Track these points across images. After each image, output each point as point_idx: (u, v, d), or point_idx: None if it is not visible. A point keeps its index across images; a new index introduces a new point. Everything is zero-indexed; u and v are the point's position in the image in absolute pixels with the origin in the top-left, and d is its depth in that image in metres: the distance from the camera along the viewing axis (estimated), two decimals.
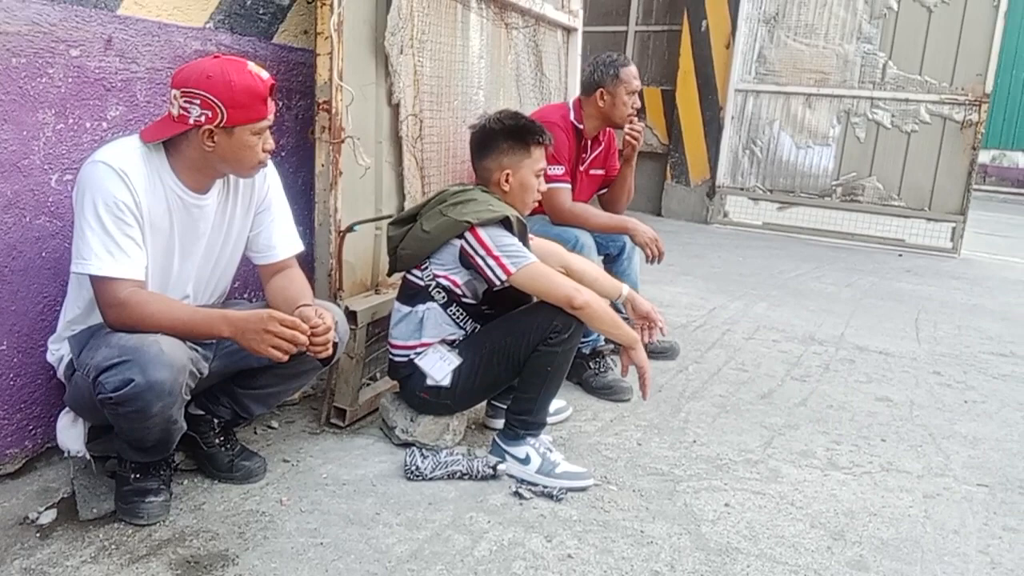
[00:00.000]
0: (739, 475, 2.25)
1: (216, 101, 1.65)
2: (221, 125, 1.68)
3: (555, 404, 2.39)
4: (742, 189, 7.28)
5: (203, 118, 1.67)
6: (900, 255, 6.40)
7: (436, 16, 2.73)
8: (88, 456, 1.87)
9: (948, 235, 6.57)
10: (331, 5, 2.21)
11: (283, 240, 1.97)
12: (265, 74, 1.73)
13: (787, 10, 6.86)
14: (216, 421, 2.02)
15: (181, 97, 1.67)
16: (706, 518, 1.99)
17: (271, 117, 1.75)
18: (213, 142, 1.70)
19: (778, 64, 6.95)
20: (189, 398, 1.77)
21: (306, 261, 2.30)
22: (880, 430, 2.66)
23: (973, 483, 2.31)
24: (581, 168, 3.13)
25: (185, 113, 1.67)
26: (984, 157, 14.94)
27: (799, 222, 7.04)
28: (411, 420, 2.23)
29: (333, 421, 2.38)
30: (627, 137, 3.07)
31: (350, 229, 2.34)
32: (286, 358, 1.67)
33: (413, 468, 2.06)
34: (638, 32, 7.96)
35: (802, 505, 2.09)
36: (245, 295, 2.42)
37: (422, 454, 2.09)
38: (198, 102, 1.66)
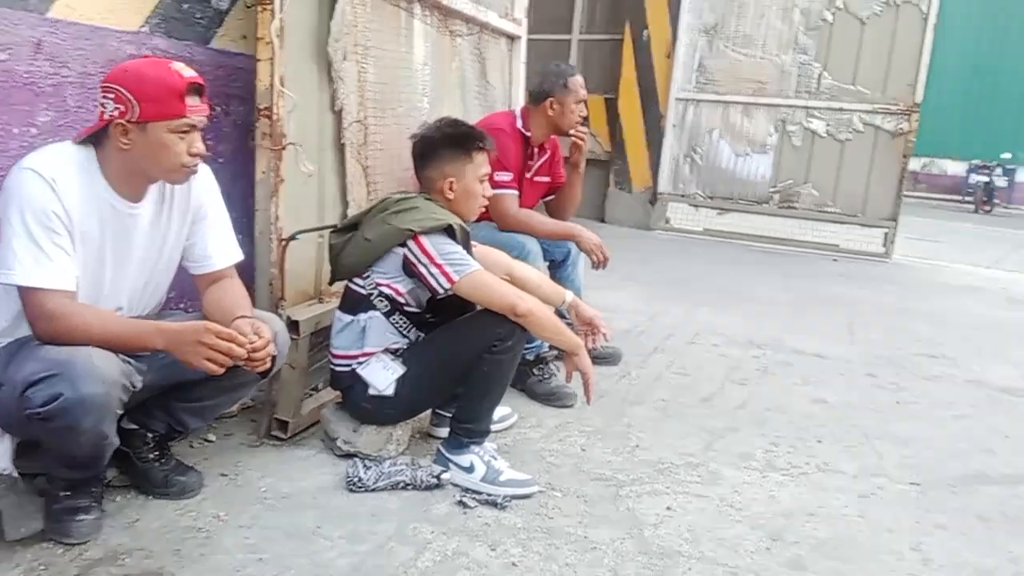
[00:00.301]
0: (681, 478, 2.29)
1: (127, 94, 1.62)
2: (134, 120, 1.63)
3: (499, 411, 2.39)
4: (683, 196, 7.41)
5: (116, 112, 1.63)
6: (835, 260, 6.60)
7: (380, 23, 2.71)
8: (15, 473, 1.79)
9: (881, 240, 6.80)
10: (272, 10, 2.17)
11: (220, 249, 1.93)
12: (188, 72, 1.68)
13: (726, 21, 7.01)
14: (150, 435, 1.96)
15: (100, 93, 1.64)
16: (648, 522, 2.01)
17: (194, 117, 1.69)
18: (128, 139, 1.65)
19: (717, 74, 7.10)
20: (122, 412, 1.72)
21: (246, 270, 2.25)
22: (816, 431, 2.73)
23: (906, 482, 2.39)
24: (528, 175, 3.15)
25: (102, 109, 1.64)
26: (915, 164, 15.49)
27: (738, 228, 7.19)
28: (353, 430, 2.20)
29: (274, 433, 2.33)
30: (574, 141, 3.10)
31: (292, 238, 2.31)
32: (221, 371, 1.64)
33: (355, 479, 2.04)
34: (581, 41, 8.04)
35: (742, 507, 2.14)
36: (181, 305, 2.37)
37: (365, 465, 2.07)
38: (112, 96, 1.63)
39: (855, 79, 6.69)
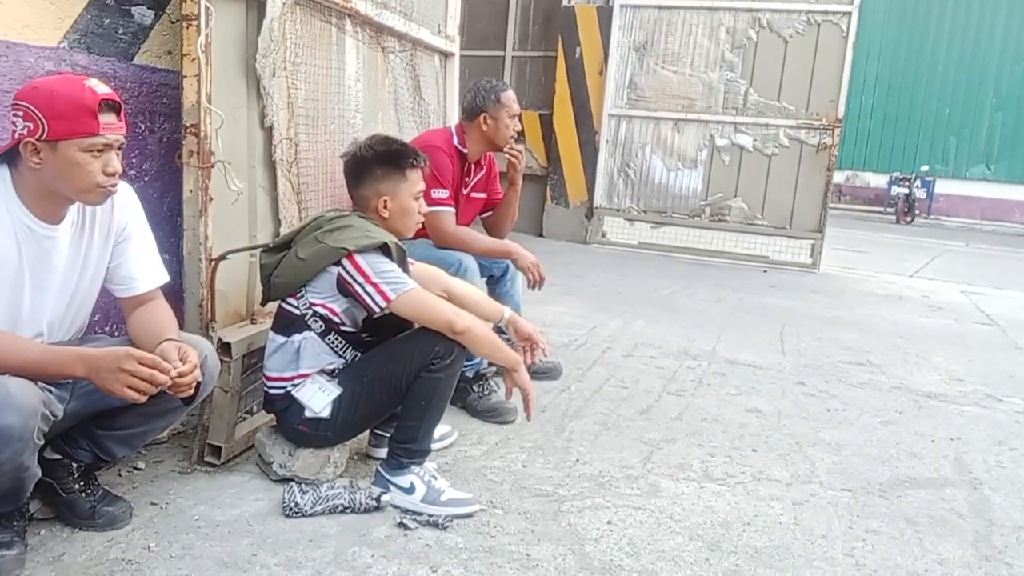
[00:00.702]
0: (621, 491, 2.30)
1: (36, 111, 1.56)
2: (43, 138, 1.57)
3: (440, 430, 2.37)
4: (618, 210, 7.52)
5: (26, 130, 1.57)
6: (765, 271, 6.77)
7: (310, 38, 2.68)
8: None
9: (808, 251, 7.01)
10: (198, 25, 2.13)
11: (145, 271, 1.87)
12: (103, 88, 1.63)
13: (655, 39, 7.17)
14: (75, 465, 1.88)
15: (11, 111, 1.57)
16: (590, 537, 2.01)
17: (109, 136, 1.63)
18: (39, 158, 1.59)
19: (648, 90, 7.25)
20: (43, 442, 1.64)
21: (174, 292, 2.19)
22: (751, 440, 2.78)
23: (837, 488, 2.45)
24: (465, 192, 3.15)
25: (13, 127, 1.58)
26: (839, 177, 16.06)
27: (672, 241, 7.33)
28: (289, 454, 2.15)
29: (207, 459, 2.26)
30: (508, 158, 3.11)
31: (222, 257, 2.25)
32: (144, 399, 1.58)
33: (292, 504, 1.99)
34: (515, 57, 8.11)
35: (680, 518, 2.16)
36: (107, 329, 2.28)
37: (301, 489, 2.02)
38: (21, 114, 1.57)
39: (780, 96, 6.91)
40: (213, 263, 2.22)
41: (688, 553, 1.97)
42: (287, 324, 2.11)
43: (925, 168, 16.47)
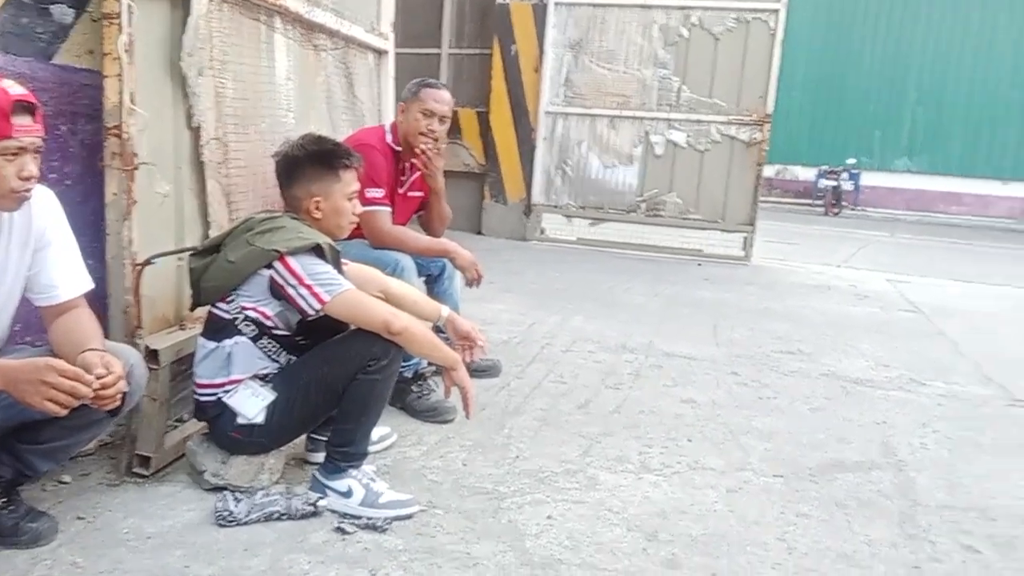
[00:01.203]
0: (560, 486, 2.32)
1: None
2: None
3: (378, 431, 2.36)
4: (556, 207, 7.57)
5: None
6: (699, 264, 6.91)
7: (238, 37, 2.63)
8: None
9: (740, 244, 7.17)
10: (119, 24, 2.07)
11: (67, 279, 1.80)
12: (17, 89, 1.57)
13: (589, 36, 7.23)
14: None
15: None
16: (530, 532, 2.03)
17: (23, 138, 1.57)
18: None
19: (584, 88, 7.31)
20: None
21: (99, 298, 2.12)
22: (686, 431, 2.84)
23: (770, 475, 2.52)
24: (401, 191, 3.12)
25: None
26: (769, 172, 16.42)
27: (609, 237, 7.41)
28: (222, 462, 2.11)
29: (136, 470, 2.20)
30: (415, 161, 3.04)
31: (148, 262, 2.19)
32: (64, 412, 1.52)
33: (225, 513, 1.95)
34: (451, 55, 8.08)
35: (619, 510, 2.19)
36: (28, 339, 2.19)
37: (235, 497, 1.99)
38: None
39: (711, 92, 7.04)
40: (138, 268, 2.16)
41: (626, 544, 2.00)
42: (217, 329, 2.07)
43: (851, 161, 17.00)
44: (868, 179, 17.53)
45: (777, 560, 1.99)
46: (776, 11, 6.80)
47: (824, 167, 16.84)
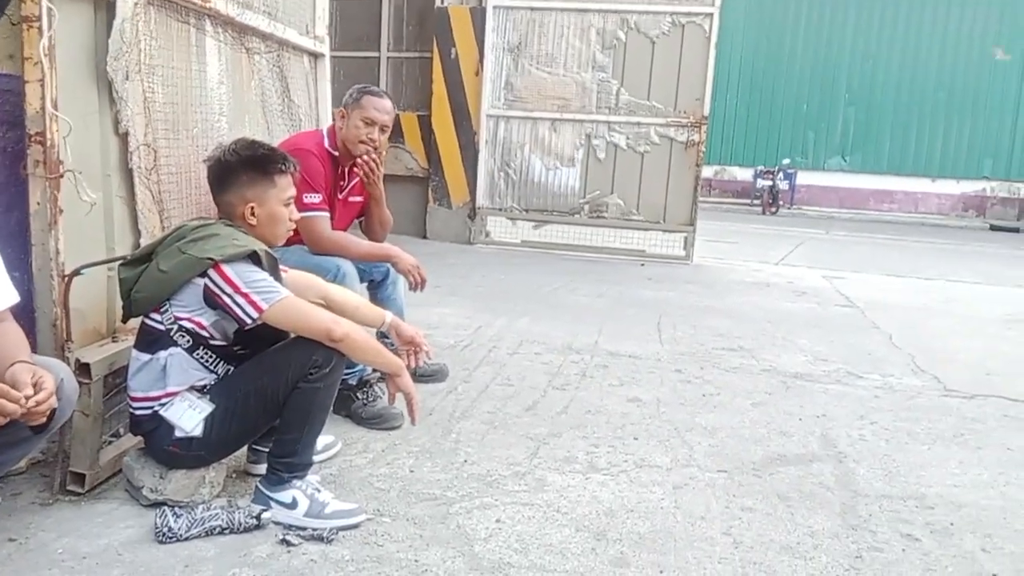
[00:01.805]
0: (509, 489, 2.32)
1: None
2: None
3: (322, 440, 2.32)
4: (501, 210, 7.58)
5: None
6: (642, 264, 6.99)
7: (166, 40, 2.56)
8: None
9: (681, 244, 7.29)
10: (40, 27, 1.98)
11: None
12: None
13: (529, 40, 7.27)
14: None
15: None
16: (479, 536, 2.01)
17: None
18: None
19: (524, 91, 7.34)
20: None
21: (25, 312, 2.04)
22: (632, 429, 2.86)
23: (714, 470, 2.55)
24: (340, 196, 3.07)
25: None
26: (707, 172, 16.79)
27: (554, 239, 7.46)
28: (160, 477, 2.04)
29: (70, 488, 2.12)
30: (355, 169, 2.99)
31: (77, 273, 2.11)
32: None
33: (165, 529, 1.89)
34: (391, 58, 8.03)
35: (567, 511, 2.19)
36: None
37: (175, 513, 1.92)
38: None
39: (650, 95, 7.15)
40: (66, 279, 2.08)
41: (575, 544, 2.01)
42: (151, 341, 2.00)
43: (787, 161, 17.46)
44: (803, 178, 18.01)
45: (724, 555, 2.01)
46: (710, 15, 6.94)
47: (761, 167, 17.26)
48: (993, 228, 16.28)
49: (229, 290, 1.91)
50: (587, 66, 7.20)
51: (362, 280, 3.03)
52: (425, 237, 7.71)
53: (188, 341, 1.99)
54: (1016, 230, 16.17)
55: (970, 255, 10.23)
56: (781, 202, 16.70)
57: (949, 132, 17.99)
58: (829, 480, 2.52)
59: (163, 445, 2.01)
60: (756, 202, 16.94)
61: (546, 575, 1.85)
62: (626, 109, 7.20)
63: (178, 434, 1.98)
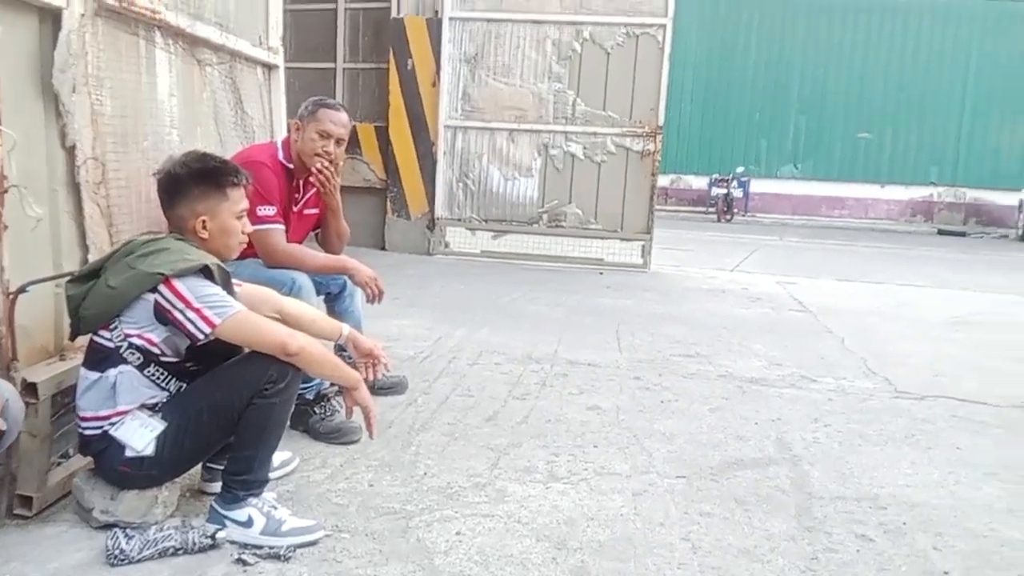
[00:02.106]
0: (469, 501, 2.31)
1: None
2: None
3: (279, 456, 2.29)
4: (459, 220, 7.58)
5: None
6: (601, 273, 7.05)
7: (115, 52, 2.51)
8: None
9: (639, 252, 7.36)
10: None
11: None
12: None
13: (485, 51, 7.30)
14: None
15: None
16: (439, 550, 2.00)
17: None
18: None
19: (482, 102, 7.37)
20: None
21: None
22: (592, 437, 2.88)
23: (673, 476, 2.57)
24: (295, 208, 3.04)
25: None
26: (663, 181, 16.99)
27: (513, 248, 7.48)
28: (111, 498, 1.99)
29: (17, 511, 2.05)
30: (311, 180, 2.96)
31: (22, 290, 2.06)
32: None
33: (117, 552, 1.84)
34: (347, 69, 7.99)
35: (527, 521, 2.19)
36: None
37: (127, 534, 1.88)
38: None
39: (605, 105, 7.22)
40: (11, 296, 2.02)
41: (536, 555, 2.01)
42: (100, 359, 1.96)
43: (740, 169, 17.80)
44: (757, 186, 18.37)
45: (683, 560, 2.03)
46: (663, 26, 7.04)
47: (715, 176, 17.56)
48: (940, 232, 16.78)
49: (180, 305, 1.87)
50: (543, 77, 7.26)
51: (319, 293, 3.00)
52: (384, 248, 7.67)
53: (138, 358, 1.95)
54: (962, 234, 16.70)
55: (918, 259, 10.51)
56: (736, 210, 17.00)
57: (897, 139, 18.53)
58: (785, 483, 2.56)
59: (114, 465, 1.96)
60: (711, 210, 17.20)
61: None
62: (582, 119, 7.26)
63: (129, 453, 1.93)
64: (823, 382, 3.76)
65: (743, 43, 19.06)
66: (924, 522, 2.32)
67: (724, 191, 16.69)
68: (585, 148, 7.27)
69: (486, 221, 7.54)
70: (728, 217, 16.53)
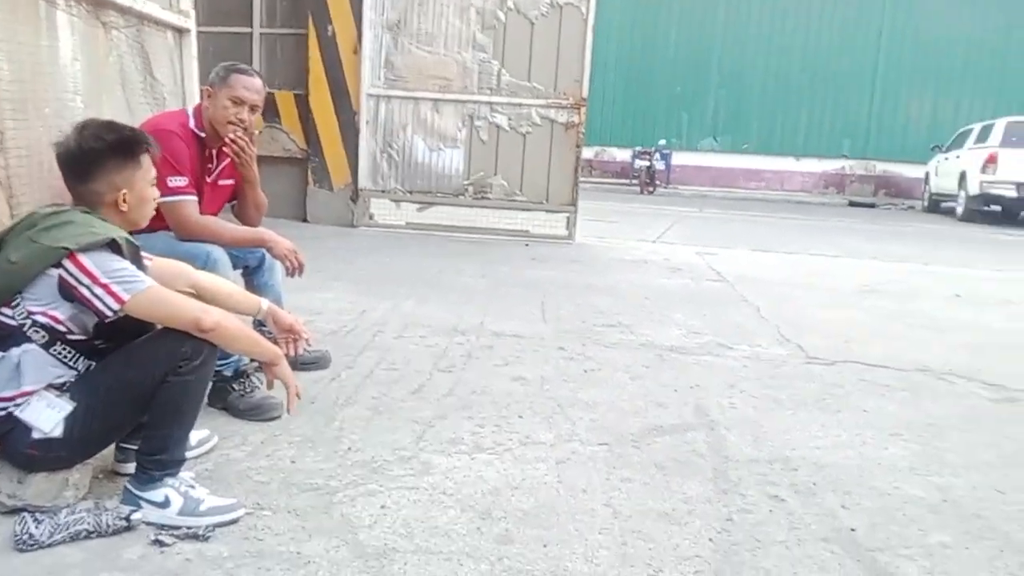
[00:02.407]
0: (394, 474, 2.31)
1: None
2: None
3: (196, 435, 2.23)
4: (384, 192, 7.48)
5: None
6: (527, 245, 7.08)
7: (11, 14, 2.38)
8: None
9: (564, 224, 7.42)
10: None
11: None
12: None
13: (408, 18, 7.17)
14: None
15: None
16: (363, 524, 2.00)
17: None
18: None
19: (405, 70, 7.25)
20: None
21: None
22: (517, 408, 2.91)
23: (595, 443, 2.62)
24: (209, 179, 2.93)
25: None
26: (588, 153, 17.16)
27: (439, 220, 7.43)
28: (18, 482, 1.91)
29: None
30: (224, 150, 2.87)
31: None
32: None
33: (25, 537, 1.77)
34: (264, 35, 7.72)
35: (453, 492, 2.21)
36: None
37: (36, 519, 1.81)
38: None
39: (530, 76, 7.21)
40: None
41: (460, 525, 2.02)
42: (2, 337, 1.86)
43: (662, 142, 18.08)
44: (678, 159, 18.71)
45: (604, 525, 2.08)
46: None
47: (638, 148, 17.79)
48: (852, 204, 17.46)
49: (87, 281, 1.80)
50: (467, 46, 7.18)
51: (236, 267, 2.92)
52: (306, 220, 7.51)
53: (43, 336, 1.86)
54: (872, 205, 17.42)
55: (831, 230, 10.93)
56: (658, 182, 17.28)
57: (812, 114, 19.12)
58: (702, 448, 2.64)
59: (20, 448, 1.88)
60: (634, 182, 17.45)
61: (431, 557, 1.86)
62: (508, 90, 7.23)
63: (36, 435, 1.85)
64: (739, 349, 3.89)
65: (665, 17, 19.29)
66: (833, 482, 2.43)
67: (647, 163, 16.93)
68: (510, 119, 7.25)
69: (411, 193, 7.46)
70: (651, 189, 16.79)
